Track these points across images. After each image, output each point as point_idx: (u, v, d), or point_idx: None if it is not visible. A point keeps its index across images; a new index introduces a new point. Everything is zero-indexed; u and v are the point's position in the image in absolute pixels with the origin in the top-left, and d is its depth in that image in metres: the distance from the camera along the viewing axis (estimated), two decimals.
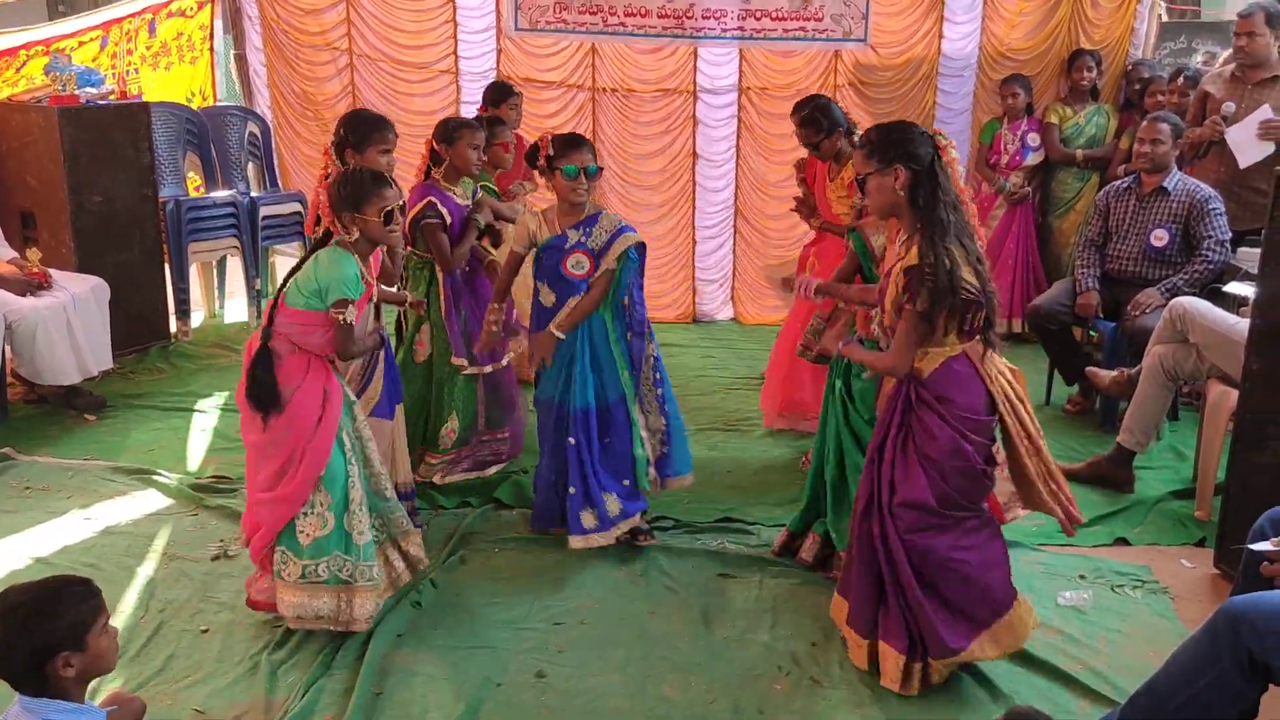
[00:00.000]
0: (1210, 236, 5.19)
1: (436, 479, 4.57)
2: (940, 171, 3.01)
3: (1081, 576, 3.92)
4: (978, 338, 3.09)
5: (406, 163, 5.23)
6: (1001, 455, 3.24)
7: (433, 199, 4.35)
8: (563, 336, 3.97)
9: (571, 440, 4.01)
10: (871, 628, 3.23)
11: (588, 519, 3.98)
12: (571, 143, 3.95)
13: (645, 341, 4.11)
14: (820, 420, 3.92)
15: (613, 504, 4.01)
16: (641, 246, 4.07)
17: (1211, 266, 5.18)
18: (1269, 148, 5.38)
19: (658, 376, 4.14)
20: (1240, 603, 2.55)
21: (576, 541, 3.97)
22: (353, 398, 3.54)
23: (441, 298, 4.47)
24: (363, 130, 3.92)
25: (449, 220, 4.39)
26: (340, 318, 3.24)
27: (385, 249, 3.61)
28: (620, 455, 4.06)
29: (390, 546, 3.65)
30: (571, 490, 4.00)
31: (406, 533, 3.67)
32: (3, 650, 2.19)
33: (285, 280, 3.36)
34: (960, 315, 3.00)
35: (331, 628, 3.39)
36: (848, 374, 3.75)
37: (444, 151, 4.43)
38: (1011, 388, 3.12)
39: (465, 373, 4.52)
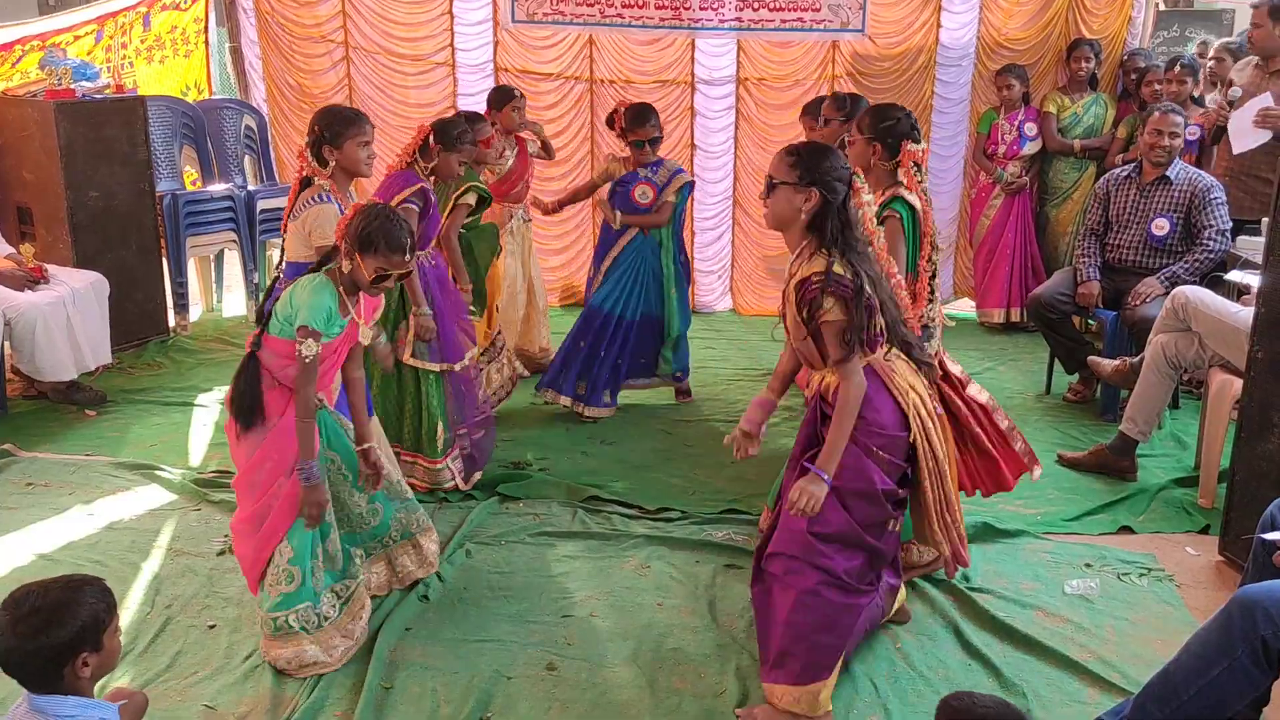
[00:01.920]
0: (1211, 226, 5.20)
1: (462, 486, 4.53)
2: (850, 211, 2.93)
3: (1087, 565, 3.93)
4: (881, 348, 2.99)
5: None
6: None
7: (425, 188, 4.31)
8: (616, 226, 5.32)
9: (603, 351, 5.25)
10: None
11: (605, 399, 5.32)
12: (638, 119, 5.26)
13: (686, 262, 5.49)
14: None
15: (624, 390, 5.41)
16: (691, 184, 5.50)
17: (1212, 256, 5.19)
18: (1264, 135, 5.36)
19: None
20: (1255, 591, 2.56)
21: (590, 412, 5.30)
22: (344, 425, 3.45)
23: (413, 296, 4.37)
24: (338, 125, 3.77)
25: (431, 212, 4.39)
26: (300, 347, 3.08)
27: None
28: (647, 359, 5.42)
29: (405, 547, 3.66)
30: (595, 380, 5.27)
31: (426, 530, 3.68)
32: (24, 653, 2.18)
33: (268, 302, 3.31)
34: (865, 328, 2.90)
35: (331, 669, 3.27)
36: None
37: (438, 153, 4.42)
38: (924, 404, 3.03)
39: (437, 370, 4.44)
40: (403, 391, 4.42)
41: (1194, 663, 2.57)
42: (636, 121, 5.26)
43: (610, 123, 5.50)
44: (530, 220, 5.94)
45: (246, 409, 3.21)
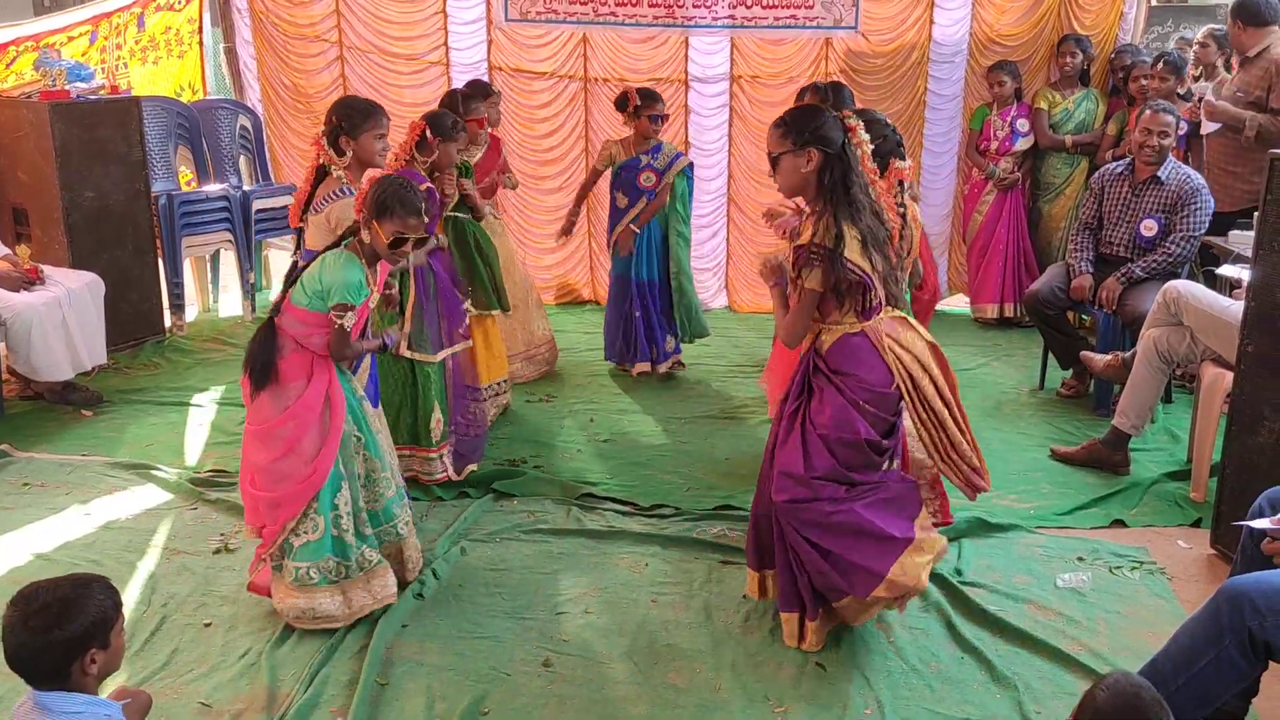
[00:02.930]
0: (1181, 230, 5.25)
1: (454, 476, 4.54)
2: (850, 154, 3.11)
3: (1080, 559, 3.95)
4: (878, 315, 3.20)
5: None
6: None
7: (431, 189, 4.36)
8: (637, 230, 5.74)
9: (638, 312, 5.82)
10: (788, 602, 3.35)
11: (653, 355, 5.90)
12: (649, 97, 5.68)
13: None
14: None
15: (669, 343, 5.94)
16: (691, 165, 5.95)
17: (1170, 259, 5.26)
18: (1212, 125, 5.80)
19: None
20: (1241, 582, 2.58)
21: (641, 367, 5.91)
22: (360, 394, 3.54)
23: (414, 289, 4.40)
24: (356, 116, 3.87)
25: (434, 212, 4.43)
26: (339, 322, 3.25)
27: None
28: (668, 316, 5.89)
29: (408, 543, 3.69)
30: (637, 340, 5.88)
31: (404, 538, 3.67)
32: (34, 648, 2.19)
33: (293, 277, 3.37)
34: (854, 295, 3.13)
35: (338, 624, 3.41)
36: None
37: (436, 145, 4.47)
38: (918, 362, 3.17)
39: (436, 360, 4.47)
40: (400, 384, 4.44)
41: (1181, 654, 2.59)
42: (650, 99, 5.68)
43: (623, 104, 5.74)
44: (500, 216, 5.98)
45: (260, 369, 3.30)
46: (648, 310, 5.88)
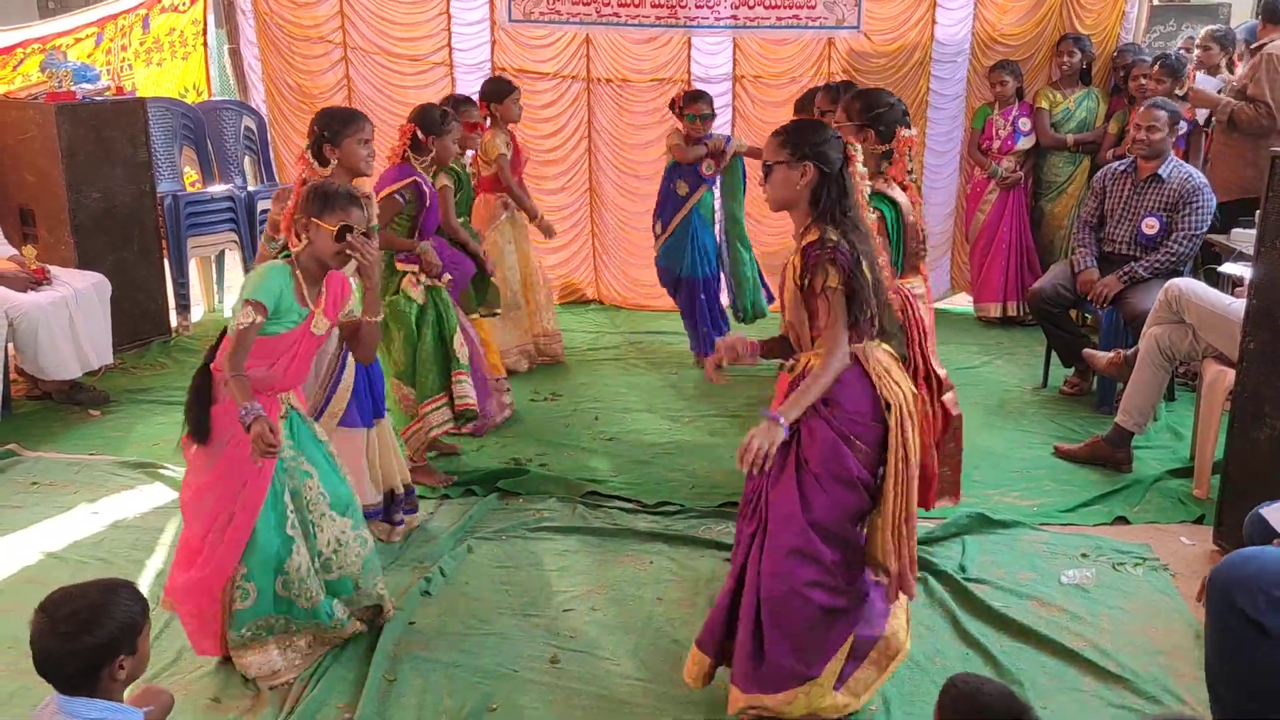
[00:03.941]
0: (1183, 229, 5.27)
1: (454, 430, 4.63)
2: (846, 178, 2.92)
3: (1084, 555, 3.96)
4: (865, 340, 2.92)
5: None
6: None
7: (417, 180, 4.39)
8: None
9: (702, 296, 6.13)
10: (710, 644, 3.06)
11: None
12: (690, 98, 5.91)
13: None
14: None
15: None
16: (729, 139, 6.08)
17: (1173, 258, 5.28)
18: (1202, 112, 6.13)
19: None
20: (1221, 572, 2.62)
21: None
22: (312, 427, 3.32)
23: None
24: (336, 124, 3.81)
25: (427, 203, 4.45)
26: (237, 314, 2.98)
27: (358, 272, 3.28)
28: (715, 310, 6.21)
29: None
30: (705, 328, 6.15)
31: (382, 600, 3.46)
32: (63, 654, 2.20)
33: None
34: (851, 310, 2.85)
35: (293, 675, 3.23)
36: None
37: (430, 142, 4.48)
38: (907, 403, 2.90)
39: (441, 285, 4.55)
40: (430, 322, 4.49)
41: (1213, 655, 2.62)
42: (691, 99, 5.92)
43: (673, 105, 6.03)
44: (520, 211, 6.01)
45: (195, 422, 3.09)
46: (701, 305, 6.16)
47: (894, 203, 3.58)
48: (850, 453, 2.84)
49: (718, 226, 6.28)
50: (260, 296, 2.99)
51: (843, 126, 3.70)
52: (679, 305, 6.31)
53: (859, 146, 3.05)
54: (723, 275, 6.32)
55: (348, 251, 3.09)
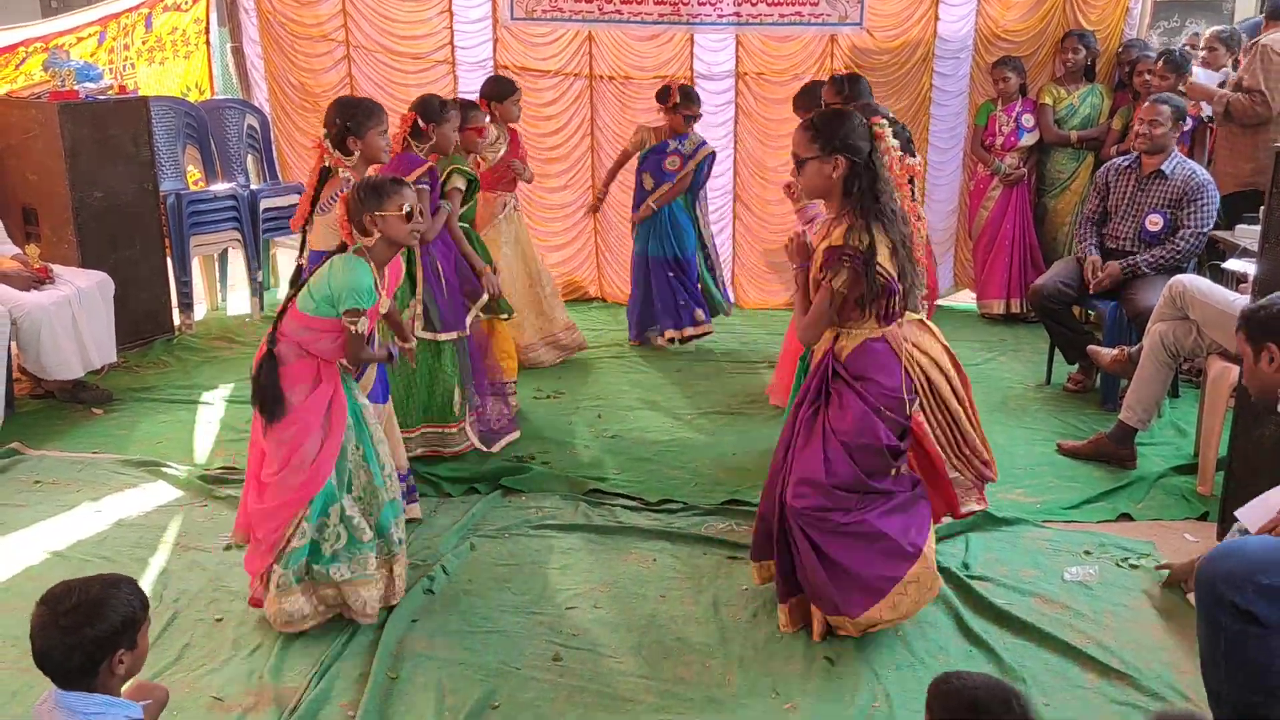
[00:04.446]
0: (1188, 226, 5.26)
1: (480, 448, 4.68)
2: (877, 162, 3.10)
3: (1087, 552, 3.96)
4: (899, 320, 3.21)
5: None
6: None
7: (432, 167, 4.45)
8: (655, 207, 6.20)
9: (655, 286, 6.28)
10: (785, 590, 3.39)
11: (698, 316, 6.34)
12: (689, 98, 6.16)
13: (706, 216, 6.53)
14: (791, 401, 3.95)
15: (697, 315, 6.34)
16: (713, 155, 6.38)
17: (1178, 255, 5.27)
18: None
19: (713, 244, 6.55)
20: (1205, 568, 2.62)
21: (666, 336, 6.36)
22: (363, 401, 3.53)
23: (420, 268, 4.48)
24: (361, 115, 3.91)
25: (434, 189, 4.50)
26: (352, 327, 3.23)
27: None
28: (691, 290, 6.31)
29: (398, 559, 3.59)
30: (655, 312, 6.36)
31: (394, 555, 3.56)
32: (64, 647, 2.20)
33: (298, 284, 3.37)
34: (878, 300, 3.11)
35: (316, 621, 3.42)
36: None
37: (431, 130, 4.51)
38: (936, 366, 3.23)
39: (452, 338, 4.55)
40: (422, 362, 4.49)
41: (1206, 650, 2.62)
42: (689, 100, 6.16)
43: (663, 96, 6.20)
44: (519, 209, 6.07)
45: (269, 403, 3.29)
46: (668, 284, 6.28)
47: None
48: (881, 423, 3.13)
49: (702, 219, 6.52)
50: (362, 303, 3.23)
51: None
52: (633, 287, 6.50)
53: (885, 122, 3.18)
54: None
55: (416, 226, 3.35)
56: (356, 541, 3.42)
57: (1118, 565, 3.87)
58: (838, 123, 3.11)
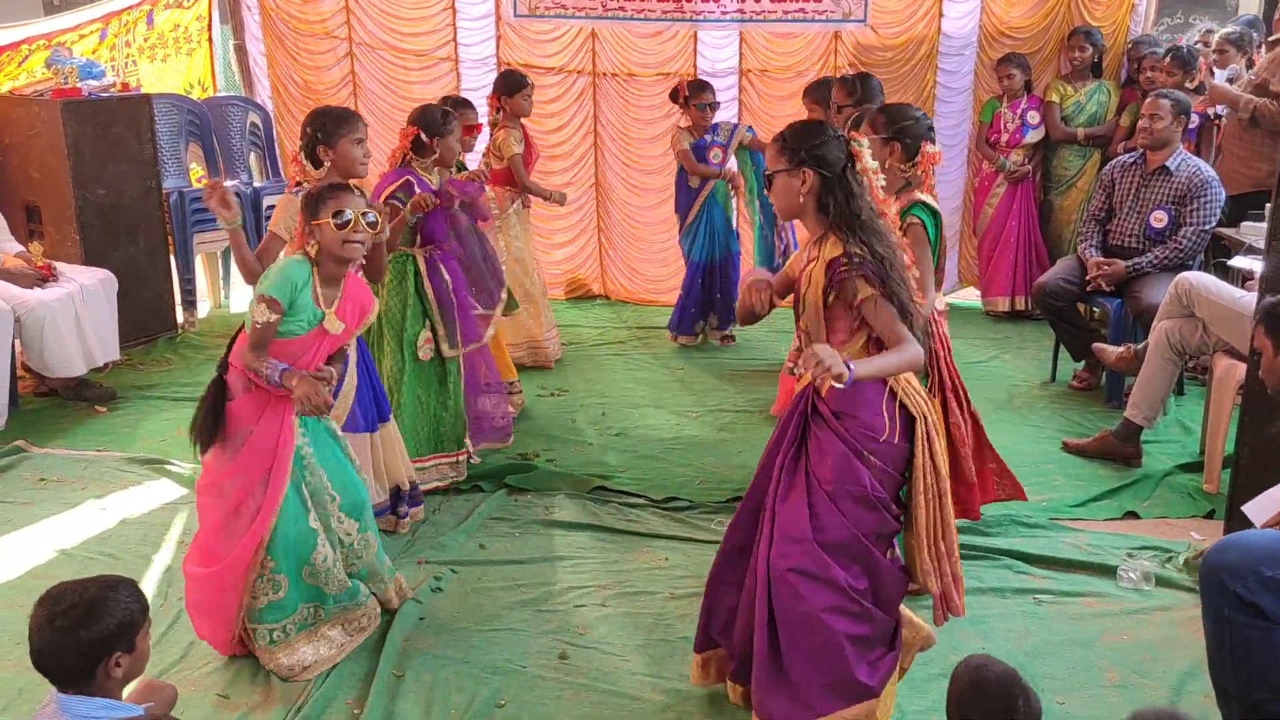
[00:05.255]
0: (1191, 224, 5.24)
1: (475, 460, 4.63)
2: (853, 179, 2.78)
3: (1130, 554, 3.90)
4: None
5: None
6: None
7: (409, 179, 4.27)
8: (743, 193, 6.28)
9: (694, 291, 6.38)
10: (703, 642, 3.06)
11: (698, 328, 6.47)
12: (697, 88, 6.17)
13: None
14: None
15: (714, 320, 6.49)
16: (750, 128, 6.31)
17: (1180, 253, 5.26)
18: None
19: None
20: (1210, 560, 2.61)
21: (684, 339, 6.52)
22: (329, 426, 3.34)
23: (430, 288, 4.34)
24: (330, 125, 3.75)
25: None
26: (253, 312, 2.99)
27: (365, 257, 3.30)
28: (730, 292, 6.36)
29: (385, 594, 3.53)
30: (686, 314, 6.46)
31: (385, 588, 3.51)
32: (59, 648, 2.19)
33: None
34: (866, 325, 2.75)
35: (335, 661, 3.28)
36: None
37: (435, 144, 4.34)
38: (932, 414, 2.82)
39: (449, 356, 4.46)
40: (431, 387, 4.41)
41: (1213, 646, 2.61)
42: (697, 89, 6.17)
43: (674, 97, 6.26)
44: (528, 207, 6.01)
45: (204, 431, 3.11)
46: (705, 289, 6.39)
47: (935, 213, 3.48)
48: (865, 468, 2.70)
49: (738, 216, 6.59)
50: (274, 292, 3.00)
51: (871, 140, 3.54)
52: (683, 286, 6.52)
53: (864, 142, 2.87)
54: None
55: (353, 237, 3.08)
56: (352, 584, 3.34)
57: (1163, 566, 3.83)
58: (807, 135, 2.81)
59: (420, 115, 4.38)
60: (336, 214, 3.06)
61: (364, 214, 3.12)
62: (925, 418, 2.76)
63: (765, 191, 2.95)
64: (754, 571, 2.84)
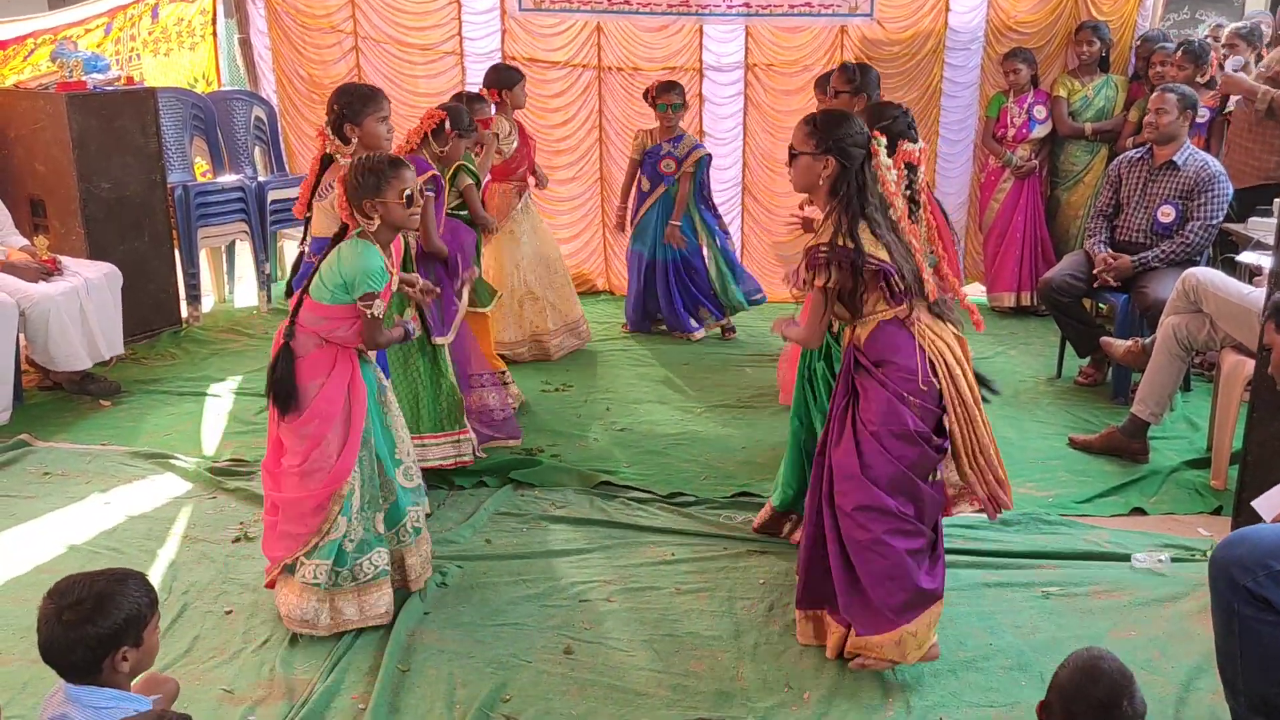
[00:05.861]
0: (1199, 219, 5.23)
1: (481, 455, 4.59)
2: (868, 173, 3.08)
3: (1153, 549, 3.90)
4: (908, 303, 3.09)
5: None
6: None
7: (436, 175, 4.35)
8: (678, 223, 6.32)
9: (656, 288, 6.47)
10: (810, 600, 3.31)
11: (692, 323, 6.54)
12: (665, 88, 6.19)
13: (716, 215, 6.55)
14: (794, 400, 3.91)
15: (704, 313, 6.54)
16: (709, 157, 6.43)
17: (1188, 248, 5.25)
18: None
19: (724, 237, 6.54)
20: (1220, 554, 2.61)
21: (695, 335, 6.55)
22: (383, 383, 3.53)
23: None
24: (357, 101, 3.86)
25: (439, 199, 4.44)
26: (368, 311, 3.21)
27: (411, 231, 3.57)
28: (701, 286, 6.45)
29: (412, 549, 3.59)
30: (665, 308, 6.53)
31: (405, 547, 3.57)
32: (67, 642, 2.19)
33: (307, 274, 3.34)
34: (879, 285, 3.05)
35: (319, 632, 3.34)
36: (829, 358, 3.75)
37: (451, 137, 4.48)
38: (950, 352, 3.11)
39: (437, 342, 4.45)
40: (424, 372, 4.40)
41: (1221, 640, 2.60)
42: (663, 89, 6.20)
43: (646, 95, 6.32)
44: (540, 187, 6.15)
45: (285, 397, 3.26)
46: (667, 287, 6.43)
47: None
48: (907, 409, 3.03)
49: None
50: (376, 285, 3.21)
51: None
52: (629, 284, 6.67)
53: (883, 140, 3.15)
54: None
55: (414, 209, 3.32)
56: (369, 538, 3.39)
57: (1175, 561, 3.82)
58: (839, 124, 3.10)
59: (453, 110, 4.57)
60: (407, 190, 3.26)
61: (419, 188, 3.38)
62: (941, 356, 3.07)
63: (789, 167, 3.20)
64: (813, 506, 3.24)
